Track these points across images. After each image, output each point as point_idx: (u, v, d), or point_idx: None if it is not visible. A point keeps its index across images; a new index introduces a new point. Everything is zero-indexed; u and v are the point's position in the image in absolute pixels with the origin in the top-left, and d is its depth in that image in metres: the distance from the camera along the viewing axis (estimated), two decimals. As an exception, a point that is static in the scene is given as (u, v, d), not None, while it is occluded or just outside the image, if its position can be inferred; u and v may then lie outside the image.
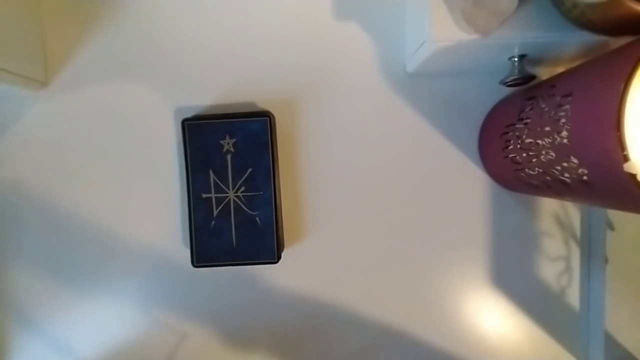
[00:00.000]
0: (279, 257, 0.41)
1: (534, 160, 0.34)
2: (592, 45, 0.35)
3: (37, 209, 0.44)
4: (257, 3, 0.43)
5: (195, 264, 0.41)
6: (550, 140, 0.31)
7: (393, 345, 0.43)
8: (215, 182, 0.41)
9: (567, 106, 0.29)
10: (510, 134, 0.38)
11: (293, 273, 0.44)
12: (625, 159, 0.24)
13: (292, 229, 0.44)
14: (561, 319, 0.44)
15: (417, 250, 0.44)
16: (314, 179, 0.44)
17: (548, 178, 0.33)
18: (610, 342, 0.43)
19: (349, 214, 0.44)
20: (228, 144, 0.40)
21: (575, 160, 0.29)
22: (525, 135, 0.35)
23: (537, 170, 0.34)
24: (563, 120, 0.29)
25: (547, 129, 0.31)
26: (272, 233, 0.41)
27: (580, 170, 0.29)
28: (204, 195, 0.41)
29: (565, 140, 0.29)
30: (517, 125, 0.36)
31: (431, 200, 0.44)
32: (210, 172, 0.41)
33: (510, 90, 0.40)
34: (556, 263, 0.44)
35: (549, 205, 0.44)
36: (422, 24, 0.35)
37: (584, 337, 0.44)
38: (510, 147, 0.38)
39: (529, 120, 0.35)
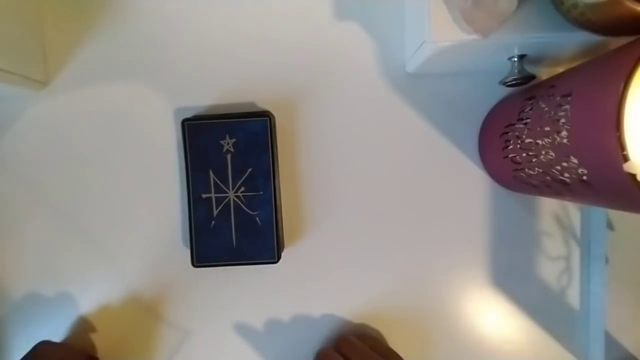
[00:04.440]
0: (279, 257, 0.41)
1: (533, 160, 0.34)
2: (592, 45, 0.35)
3: (36, 209, 0.44)
4: (257, 3, 0.43)
5: (195, 264, 0.41)
6: (550, 140, 0.31)
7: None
8: (215, 182, 0.41)
9: (567, 106, 0.29)
10: (510, 134, 0.38)
11: (293, 273, 0.44)
12: (625, 158, 0.24)
13: (292, 229, 0.44)
14: (561, 319, 0.44)
15: (417, 250, 0.44)
16: (314, 179, 0.44)
17: (548, 178, 0.33)
18: (610, 342, 0.43)
19: (349, 214, 0.44)
20: (228, 144, 0.40)
21: (575, 160, 0.29)
22: (525, 135, 0.35)
23: (537, 170, 0.34)
24: (563, 120, 0.29)
25: (547, 129, 0.31)
26: (272, 233, 0.41)
27: (580, 170, 0.29)
28: (204, 196, 0.41)
29: (565, 140, 0.29)
30: (517, 125, 0.36)
31: (431, 200, 0.44)
32: (210, 172, 0.41)
33: (510, 90, 0.40)
34: (556, 263, 0.44)
35: (549, 205, 0.44)
36: (421, 24, 0.35)
37: (584, 337, 0.44)
38: (510, 147, 0.38)
39: (528, 120, 0.35)
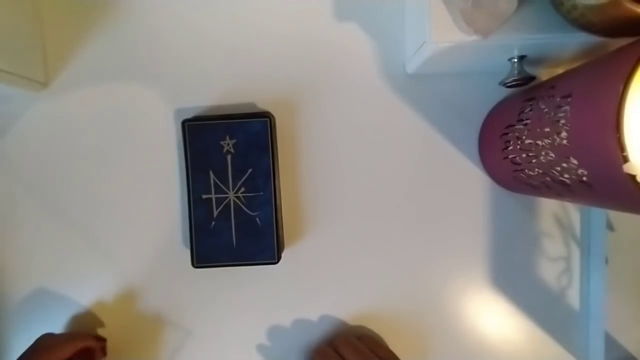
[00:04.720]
0: (279, 258, 0.41)
1: (533, 161, 0.34)
2: (592, 46, 0.35)
3: (37, 209, 0.44)
4: (257, 5, 0.43)
5: (196, 264, 0.41)
6: (549, 141, 0.31)
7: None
8: (215, 183, 0.41)
9: (567, 107, 0.29)
10: (510, 134, 0.38)
11: (293, 273, 0.44)
12: (625, 159, 0.24)
13: (292, 229, 0.44)
14: (561, 319, 0.44)
15: (417, 250, 0.44)
16: (313, 180, 0.44)
17: (548, 179, 0.33)
18: (610, 342, 0.43)
19: (349, 215, 0.44)
20: (228, 144, 0.40)
21: (574, 161, 0.29)
22: (525, 136, 0.35)
23: (537, 171, 0.34)
24: (563, 121, 0.29)
25: (547, 129, 0.31)
26: (272, 233, 0.41)
27: (579, 171, 0.29)
28: (204, 196, 0.41)
29: (564, 141, 0.29)
30: (516, 126, 0.36)
31: (431, 201, 0.44)
32: (211, 173, 0.41)
33: (510, 91, 0.40)
34: (556, 263, 0.44)
35: (549, 206, 0.44)
36: (422, 25, 0.35)
37: (584, 337, 0.44)
38: (510, 147, 0.38)
39: (528, 121, 0.35)
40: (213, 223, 0.41)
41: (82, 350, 0.39)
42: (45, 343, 0.39)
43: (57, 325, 0.44)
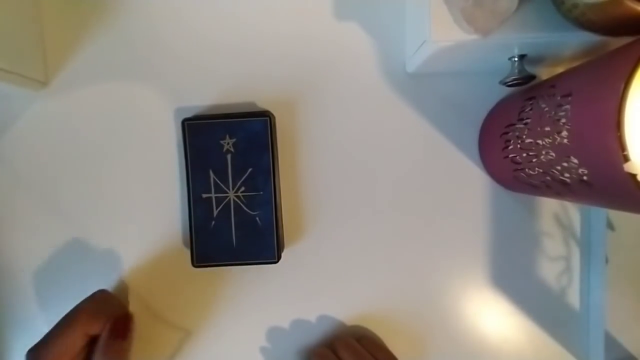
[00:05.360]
0: (279, 257, 0.41)
1: (534, 160, 0.34)
2: (592, 45, 0.35)
3: (35, 209, 0.44)
4: (256, 4, 0.43)
5: (195, 264, 0.41)
6: (550, 140, 0.31)
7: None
8: (215, 182, 0.41)
9: (567, 106, 0.29)
10: (510, 134, 0.38)
11: (293, 273, 0.44)
12: (626, 159, 0.24)
13: (292, 229, 0.44)
14: (561, 319, 0.44)
15: (417, 250, 0.44)
16: (314, 179, 0.44)
17: (548, 178, 0.33)
18: (610, 342, 0.43)
19: (349, 214, 0.44)
20: (228, 143, 0.40)
21: (575, 160, 0.29)
22: (526, 135, 0.35)
23: (537, 170, 0.34)
24: (563, 120, 0.29)
25: (547, 129, 0.31)
26: (272, 233, 0.41)
27: (580, 170, 0.29)
28: (204, 195, 0.41)
29: (565, 140, 0.29)
30: (517, 125, 0.36)
31: (431, 200, 0.44)
32: (210, 172, 0.41)
33: (510, 90, 0.40)
34: (556, 263, 0.44)
35: (549, 205, 0.44)
36: (422, 24, 0.35)
37: (584, 337, 0.44)
38: (510, 147, 0.38)
39: (529, 120, 0.35)
40: (213, 222, 0.41)
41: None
42: (101, 297, 0.39)
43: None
